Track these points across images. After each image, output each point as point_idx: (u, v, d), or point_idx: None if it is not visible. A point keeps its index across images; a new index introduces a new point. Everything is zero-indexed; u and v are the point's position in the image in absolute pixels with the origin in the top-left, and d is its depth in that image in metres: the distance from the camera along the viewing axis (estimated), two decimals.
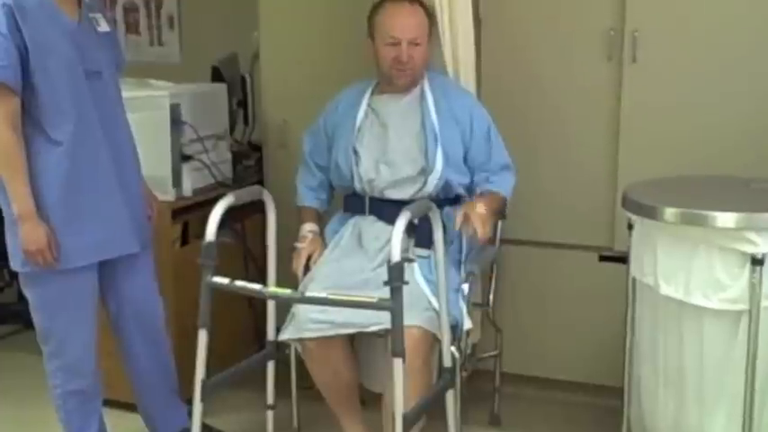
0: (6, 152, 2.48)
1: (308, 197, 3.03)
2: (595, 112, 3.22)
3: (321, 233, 2.96)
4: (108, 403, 2.95)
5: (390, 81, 2.84)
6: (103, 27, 2.73)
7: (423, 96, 2.85)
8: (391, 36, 2.77)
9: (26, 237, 2.51)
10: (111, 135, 2.68)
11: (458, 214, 2.64)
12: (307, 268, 2.84)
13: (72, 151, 2.56)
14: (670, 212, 2.32)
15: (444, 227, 2.59)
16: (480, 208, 2.66)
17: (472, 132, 2.82)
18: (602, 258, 3.21)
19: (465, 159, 2.84)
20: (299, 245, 2.89)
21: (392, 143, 2.83)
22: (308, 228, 2.94)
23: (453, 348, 2.60)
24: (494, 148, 2.85)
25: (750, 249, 2.22)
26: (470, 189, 2.88)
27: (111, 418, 2.96)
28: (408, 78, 2.82)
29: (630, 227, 2.55)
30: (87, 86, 2.60)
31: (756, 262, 2.21)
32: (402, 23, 2.77)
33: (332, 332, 2.62)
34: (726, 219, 2.23)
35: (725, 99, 3.04)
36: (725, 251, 2.25)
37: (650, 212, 2.38)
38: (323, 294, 2.42)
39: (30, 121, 2.52)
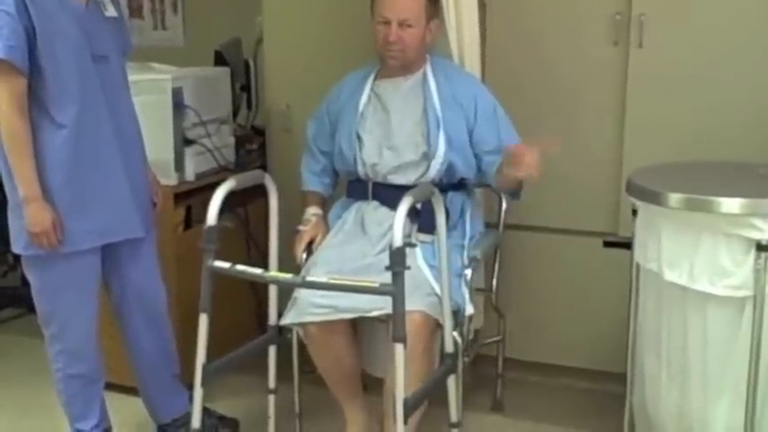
0: (14, 134, 2.47)
1: (311, 182, 3.01)
2: (601, 96, 3.20)
3: (325, 217, 2.95)
4: (110, 387, 2.95)
5: (383, 62, 2.82)
6: (110, 12, 2.72)
7: (425, 80, 2.82)
8: (382, 15, 2.75)
9: (31, 218, 2.51)
10: (117, 119, 2.67)
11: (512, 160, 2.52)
12: (309, 252, 2.83)
13: (77, 134, 2.55)
14: (675, 198, 2.30)
15: (447, 212, 2.57)
16: (513, 147, 2.57)
17: (476, 115, 2.79)
18: (607, 244, 3.22)
19: (471, 143, 2.81)
20: (302, 228, 2.88)
21: (394, 127, 2.81)
22: (312, 211, 2.93)
23: (455, 334, 2.59)
24: (503, 130, 2.81)
25: (755, 235, 2.20)
26: (479, 175, 2.86)
27: (113, 401, 2.96)
28: (398, 61, 2.79)
29: (635, 212, 2.54)
30: (94, 71, 2.59)
31: (761, 248, 2.20)
32: (393, 3, 2.74)
33: (334, 317, 2.61)
34: (731, 204, 2.21)
35: (731, 84, 3.02)
36: (730, 237, 2.24)
37: (655, 198, 2.36)
38: (324, 279, 2.41)
39: (36, 103, 2.51)
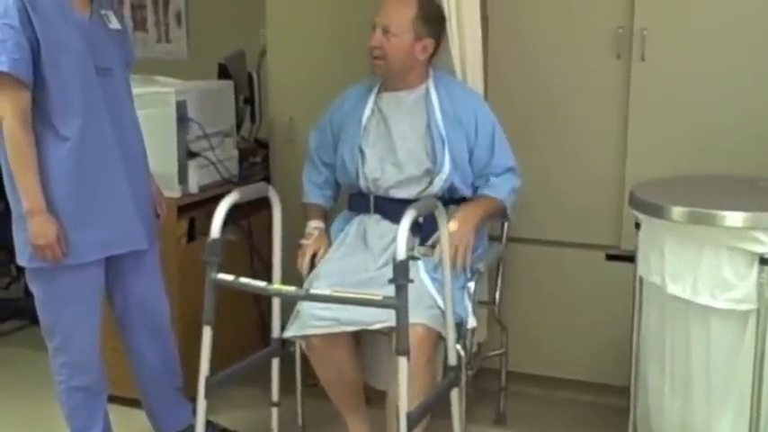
0: (17, 147, 2.48)
1: (314, 194, 3.02)
2: (603, 110, 3.20)
3: (327, 231, 2.96)
4: (113, 399, 2.95)
5: (372, 70, 2.84)
6: (114, 24, 2.73)
7: (427, 96, 2.83)
8: (373, 20, 2.77)
9: (35, 231, 2.51)
10: (121, 132, 2.68)
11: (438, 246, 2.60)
12: (312, 265, 2.83)
13: (81, 147, 2.56)
14: (677, 211, 2.31)
15: None
16: (452, 225, 2.65)
17: (477, 133, 2.80)
18: (610, 257, 3.22)
19: (470, 161, 2.82)
20: (304, 242, 2.88)
21: (397, 143, 2.82)
22: (314, 225, 2.93)
23: (458, 347, 2.59)
24: (496, 150, 2.83)
25: (758, 249, 2.20)
26: (475, 191, 2.87)
27: (116, 414, 2.96)
28: (380, 69, 2.80)
29: (638, 226, 2.54)
30: (98, 83, 2.60)
31: (764, 261, 2.20)
32: (383, 8, 2.77)
33: (336, 329, 2.61)
34: (733, 218, 2.22)
35: (733, 98, 3.02)
36: (732, 250, 2.24)
37: (657, 211, 2.37)
38: (327, 291, 2.42)
39: (40, 116, 2.52)
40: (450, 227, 2.63)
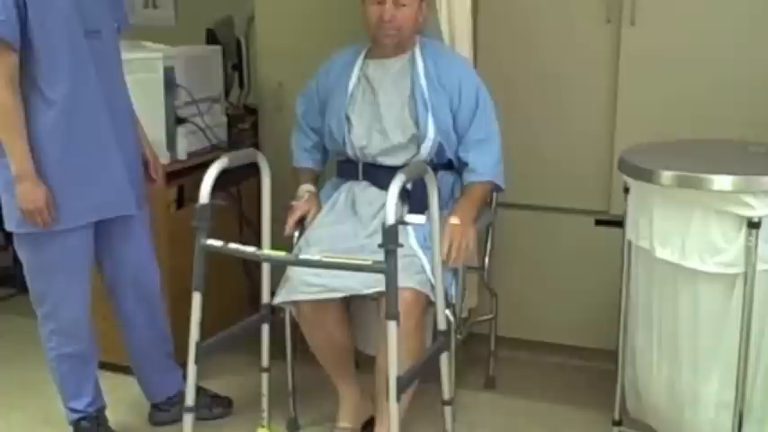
0: (5, 111, 2.46)
1: (303, 158, 3.01)
2: (593, 75, 3.20)
3: (317, 195, 2.95)
4: (103, 366, 2.96)
5: (377, 42, 2.81)
6: None
7: (413, 62, 2.81)
8: None
9: (24, 196, 2.50)
10: (110, 95, 2.65)
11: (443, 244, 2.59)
12: (301, 228, 2.83)
13: (69, 111, 2.54)
14: (666, 176, 2.30)
15: (438, 191, 2.57)
16: (454, 219, 2.65)
17: (460, 98, 2.78)
18: (599, 222, 3.23)
19: (455, 126, 2.81)
20: (294, 203, 2.87)
21: (383, 110, 2.80)
22: (306, 188, 2.93)
23: (448, 312, 2.60)
24: (477, 119, 2.79)
25: (746, 212, 2.21)
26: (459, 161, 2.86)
27: (107, 380, 2.97)
28: (394, 39, 2.77)
29: (627, 190, 2.54)
30: (86, 46, 2.57)
31: (752, 225, 2.20)
32: None
33: (325, 295, 2.62)
34: (722, 182, 2.22)
35: (723, 62, 3.02)
36: (721, 214, 2.24)
37: (647, 176, 2.36)
38: (317, 257, 2.41)
39: (27, 79, 2.50)
40: (452, 220, 2.63)
